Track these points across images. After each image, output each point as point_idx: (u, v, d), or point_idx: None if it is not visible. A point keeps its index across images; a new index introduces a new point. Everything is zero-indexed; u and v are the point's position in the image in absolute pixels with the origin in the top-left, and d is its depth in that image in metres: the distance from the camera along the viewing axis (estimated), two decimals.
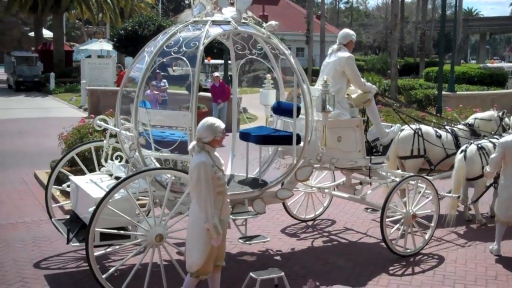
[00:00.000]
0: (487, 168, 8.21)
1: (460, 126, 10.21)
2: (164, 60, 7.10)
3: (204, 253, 5.45)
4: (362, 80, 8.29)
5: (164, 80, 19.20)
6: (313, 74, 23.32)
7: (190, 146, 5.54)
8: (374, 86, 8.56)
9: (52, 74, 34.54)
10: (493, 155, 8.17)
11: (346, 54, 8.13)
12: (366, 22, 74.60)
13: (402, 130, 9.42)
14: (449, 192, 9.20)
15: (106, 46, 40.57)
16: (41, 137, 17.18)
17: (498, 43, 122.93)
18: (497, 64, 43.15)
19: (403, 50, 56.00)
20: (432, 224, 8.13)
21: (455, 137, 9.79)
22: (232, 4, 7.29)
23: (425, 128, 9.76)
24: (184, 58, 6.74)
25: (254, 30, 7.34)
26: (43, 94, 33.43)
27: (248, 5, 7.30)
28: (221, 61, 30.64)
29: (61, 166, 7.92)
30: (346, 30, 8.54)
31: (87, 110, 23.54)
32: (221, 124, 5.54)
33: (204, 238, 5.40)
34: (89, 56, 38.25)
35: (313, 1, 45.35)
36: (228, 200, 5.86)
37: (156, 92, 17.35)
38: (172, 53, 6.73)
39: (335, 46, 8.35)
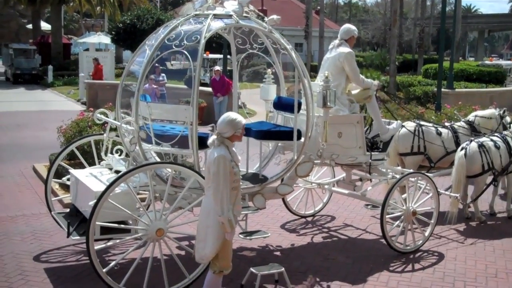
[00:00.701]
0: None
1: (460, 123, 10.21)
2: (163, 54, 7.05)
3: (216, 246, 5.43)
4: (361, 76, 8.26)
5: (163, 74, 19.19)
6: (312, 70, 23.27)
7: (210, 140, 5.51)
8: (375, 81, 8.52)
9: (50, 67, 34.46)
10: None
11: (346, 49, 8.10)
12: (365, 18, 74.46)
13: (402, 126, 9.41)
14: (449, 189, 9.20)
15: (104, 39, 40.49)
16: (39, 130, 17.15)
17: (496, 40, 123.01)
18: (495, 61, 43.18)
19: (402, 46, 55.98)
20: (432, 221, 8.13)
21: (455, 134, 9.79)
22: None
23: (425, 125, 9.75)
24: (186, 52, 6.70)
25: (256, 24, 7.30)
26: (41, 87, 33.34)
27: None
28: (220, 56, 30.63)
29: (60, 159, 7.89)
30: (348, 25, 8.51)
31: (85, 104, 23.50)
32: (242, 119, 5.53)
33: (217, 231, 5.39)
34: (87, 49, 38.18)
35: None
36: (240, 196, 5.84)
37: (155, 86, 17.33)
38: (173, 47, 6.69)
39: (336, 41, 8.32)
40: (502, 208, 9.97)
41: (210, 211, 5.42)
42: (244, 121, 5.56)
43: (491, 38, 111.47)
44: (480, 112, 10.58)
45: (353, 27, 8.45)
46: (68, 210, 7.56)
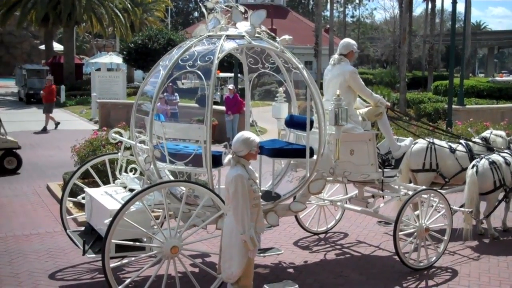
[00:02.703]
0: None
1: (475, 140, 10.21)
2: (176, 74, 7.16)
3: (242, 264, 5.49)
4: (369, 90, 8.33)
5: (176, 94, 19.34)
6: (322, 88, 23.35)
7: (225, 160, 5.61)
8: (384, 101, 8.56)
9: (63, 87, 34.77)
10: None
11: (348, 68, 8.15)
12: (374, 36, 74.71)
13: (415, 143, 9.45)
14: (462, 206, 9.20)
15: (115, 59, 40.88)
16: (52, 150, 17.31)
17: (506, 56, 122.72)
18: (505, 78, 43.11)
19: (411, 63, 56.02)
20: (445, 238, 8.13)
21: (470, 151, 9.78)
22: (246, 19, 7.36)
23: (438, 142, 9.76)
24: (199, 72, 6.80)
25: (268, 44, 7.40)
26: (54, 106, 33.56)
27: (262, 19, 7.37)
28: (231, 74, 30.84)
29: (75, 178, 7.99)
30: (347, 40, 8.56)
31: (97, 123, 23.70)
32: (256, 138, 5.61)
33: (242, 249, 5.45)
34: (99, 69, 38.55)
35: (321, 15, 45.56)
36: (262, 213, 5.91)
37: (168, 107, 17.49)
38: (187, 67, 6.81)
39: (336, 56, 8.36)
40: None
41: (232, 230, 5.48)
42: (258, 139, 5.64)
43: (500, 55, 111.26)
44: (496, 132, 10.59)
45: (352, 42, 8.50)
46: (83, 228, 7.64)
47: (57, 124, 23.18)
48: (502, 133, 10.52)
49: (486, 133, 10.44)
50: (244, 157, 5.54)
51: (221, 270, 5.69)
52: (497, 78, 41.13)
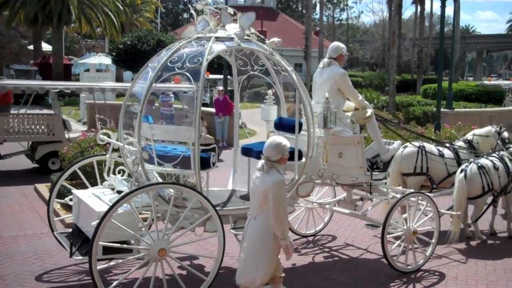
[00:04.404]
0: None
1: (459, 143, 10.26)
2: (165, 76, 7.12)
3: (270, 269, 5.57)
4: (357, 94, 8.36)
5: (172, 95, 19.26)
6: (311, 90, 23.40)
7: (259, 165, 5.66)
8: (370, 107, 8.57)
9: None
10: None
11: (339, 70, 8.17)
12: (364, 39, 75.01)
13: (405, 147, 9.48)
14: (449, 209, 9.23)
15: (105, 60, 40.73)
16: None
17: (495, 60, 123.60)
18: (494, 81, 43.38)
19: (400, 66, 56.32)
20: (433, 241, 8.16)
21: (457, 154, 9.83)
22: (235, 21, 7.35)
23: (428, 146, 9.80)
24: (188, 74, 6.77)
25: (257, 46, 7.39)
26: (42, 107, 33.43)
27: (251, 21, 7.36)
28: (220, 76, 30.84)
29: (63, 179, 7.94)
30: (336, 43, 8.58)
31: (86, 124, 23.58)
32: (287, 143, 5.70)
33: (271, 254, 5.50)
34: (88, 70, 38.39)
35: (311, 17, 45.65)
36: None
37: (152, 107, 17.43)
38: (176, 69, 6.78)
39: (325, 60, 8.37)
40: (503, 228, 10.00)
41: (263, 235, 5.50)
42: (289, 144, 5.74)
43: (489, 58, 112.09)
44: (477, 131, 10.60)
45: (341, 45, 8.52)
46: (70, 230, 7.59)
47: None
48: (486, 130, 10.43)
49: (468, 135, 10.47)
50: (276, 162, 5.60)
51: (241, 274, 5.67)
52: (485, 82, 41.33)
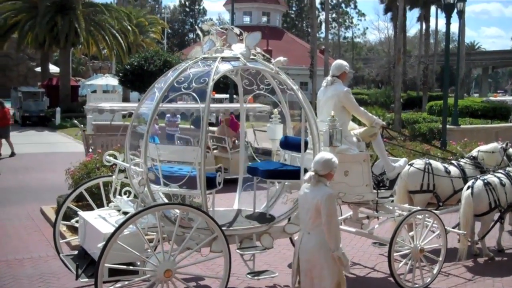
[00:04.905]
0: None
1: (464, 160, 10.22)
2: (172, 96, 7.16)
3: (337, 278, 5.70)
4: (363, 110, 8.36)
5: (178, 116, 19.33)
6: (316, 109, 23.48)
7: (306, 177, 5.81)
8: (380, 120, 8.59)
9: (58, 109, 34.80)
10: None
11: (342, 88, 8.17)
12: (369, 56, 75.19)
13: (411, 164, 9.45)
14: (456, 226, 9.18)
15: (111, 81, 40.96)
16: (47, 172, 17.25)
17: (500, 76, 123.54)
18: (500, 97, 43.33)
19: (406, 83, 56.35)
20: (440, 259, 8.10)
21: (463, 171, 9.79)
22: (241, 41, 7.39)
23: (434, 163, 9.77)
24: (194, 94, 6.80)
25: (263, 66, 7.42)
26: (49, 128, 33.62)
27: (257, 41, 7.41)
28: (226, 95, 30.93)
29: (69, 201, 7.95)
30: (339, 61, 8.60)
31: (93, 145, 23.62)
32: (336, 160, 5.83)
33: (331, 265, 5.63)
34: (95, 91, 38.58)
35: (316, 36, 45.87)
36: None
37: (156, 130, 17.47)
38: (182, 89, 6.81)
39: (329, 78, 8.38)
40: (510, 244, 9.93)
41: (320, 248, 5.66)
42: (337, 160, 5.87)
43: (495, 74, 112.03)
44: (483, 147, 10.58)
45: (344, 63, 8.53)
46: (76, 252, 7.58)
47: (12, 153, 21.47)
48: (492, 146, 10.42)
49: (474, 152, 10.44)
50: (324, 176, 5.72)
51: (306, 286, 5.81)
52: (491, 98, 41.32)
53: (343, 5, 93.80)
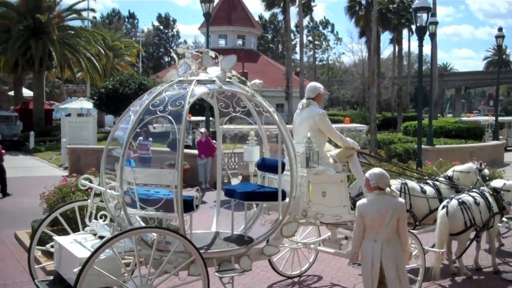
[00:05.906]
0: None
1: (440, 179, 10.31)
2: (147, 119, 7.11)
3: (406, 273, 6.63)
4: (338, 133, 8.41)
5: (150, 139, 19.23)
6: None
7: (388, 189, 6.53)
8: (354, 142, 8.65)
9: (32, 133, 34.45)
10: None
11: (318, 110, 8.24)
12: (344, 78, 76.00)
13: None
14: (433, 246, 9.22)
15: (86, 104, 40.74)
16: (21, 197, 16.99)
17: (473, 97, 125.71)
18: (473, 117, 43.98)
19: (381, 105, 57.01)
20: (419, 278, 8.11)
21: (438, 191, 9.87)
22: (216, 64, 7.41)
23: (410, 183, 9.84)
24: (170, 117, 6.77)
25: (239, 88, 7.45)
26: (23, 153, 33.22)
27: (232, 64, 7.43)
28: (202, 118, 30.88)
29: (44, 226, 7.82)
30: (313, 84, 8.66)
31: (67, 169, 23.39)
32: (387, 175, 6.63)
33: (404, 265, 6.56)
34: (69, 115, 38.30)
35: (291, 59, 46.25)
36: None
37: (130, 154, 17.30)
38: (158, 112, 6.77)
39: (304, 101, 8.44)
40: (487, 263, 9.99)
41: (397, 253, 6.45)
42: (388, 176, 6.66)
43: (467, 95, 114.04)
44: (458, 167, 10.70)
45: (318, 85, 8.60)
46: (51, 277, 7.43)
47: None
48: (467, 166, 10.57)
49: (449, 172, 10.55)
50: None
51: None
52: (464, 118, 41.91)
53: (320, 27, 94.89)
